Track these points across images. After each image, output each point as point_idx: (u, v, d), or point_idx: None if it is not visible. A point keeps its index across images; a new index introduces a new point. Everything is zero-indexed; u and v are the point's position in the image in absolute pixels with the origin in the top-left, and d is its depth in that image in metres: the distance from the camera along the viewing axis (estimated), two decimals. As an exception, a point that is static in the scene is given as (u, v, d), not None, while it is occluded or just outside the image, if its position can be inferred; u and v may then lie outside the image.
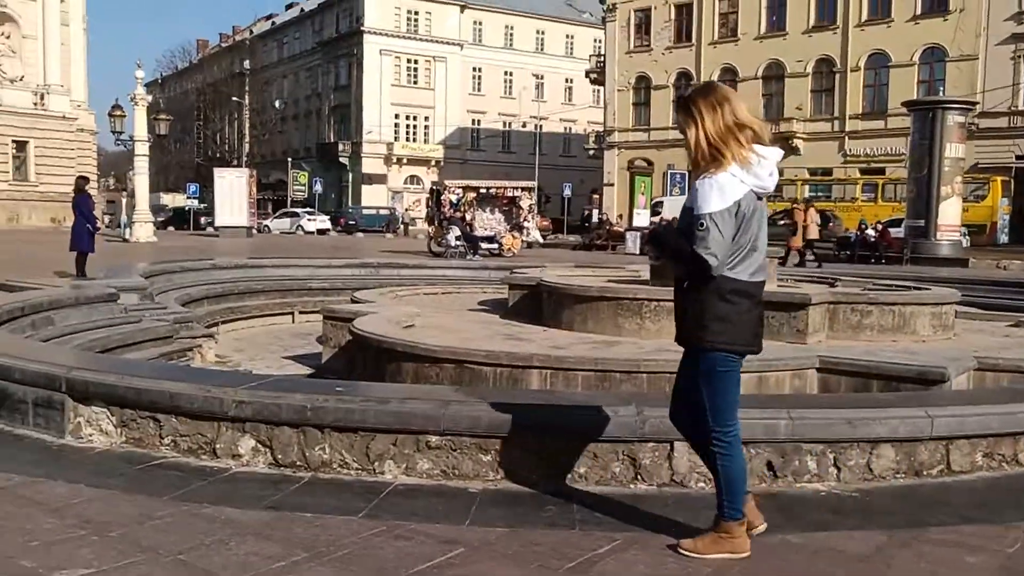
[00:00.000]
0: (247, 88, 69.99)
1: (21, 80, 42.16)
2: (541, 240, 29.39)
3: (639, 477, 4.20)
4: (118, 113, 30.45)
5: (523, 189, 27.69)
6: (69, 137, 44.02)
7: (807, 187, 40.13)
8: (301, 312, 16.60)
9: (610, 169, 48.94)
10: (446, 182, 29.46)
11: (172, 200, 62.88)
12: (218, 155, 71.33)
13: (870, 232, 26.52)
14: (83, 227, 13.57)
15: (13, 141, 41.90)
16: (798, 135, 43.51)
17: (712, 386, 3.30)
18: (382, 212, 56.70)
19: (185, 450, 4.55)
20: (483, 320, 10.53)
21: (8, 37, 42.06)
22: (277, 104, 71.52)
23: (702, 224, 3.12)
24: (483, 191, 27.56)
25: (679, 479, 4.19)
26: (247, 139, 70.30)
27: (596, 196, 49.79)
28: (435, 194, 27.80)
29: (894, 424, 4.34)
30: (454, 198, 26.89)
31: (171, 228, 46.52)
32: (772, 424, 4.21)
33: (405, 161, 67.66)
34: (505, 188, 27.83)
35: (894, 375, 7.31)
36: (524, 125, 69.86)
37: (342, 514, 3.75)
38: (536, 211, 27.03)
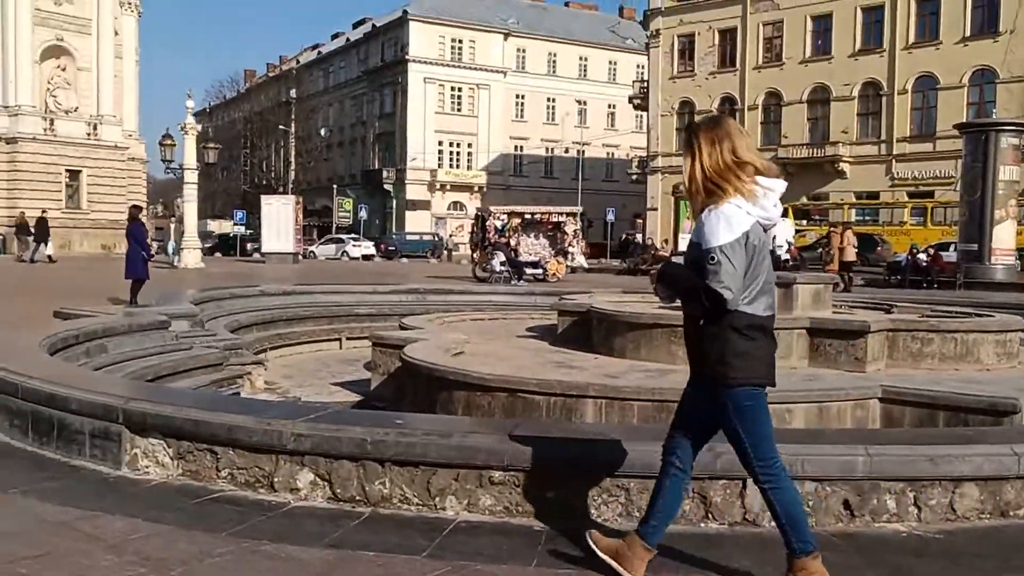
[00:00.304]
0: (293, 116, 71.03)
1: (76, 111, 43.23)
2: (586, 265, 29.27)
3: (710, 515, 4.04)
4: (168, 142, 31.00)
5: (568, 214, 27.63)
6: (120, 166, 44.96)
7: (853, 211, 39.60)
8: (348, 338, 16.60)
9: (653, 194, 48.72)
10: (491, 208, 29.49)
11: (219, 227, 63.80)
12: (264, 182, 72.31)
13: (922, 256, 26.01)
14: (138, 254, 13.74)
15: (67, 170, 42.88)
16: (844, 159, 43.00)
17: (745, 422, 3.22)
18: (425, 238, 57.01)
19: (242, 483, 4.48)
20: (532, 347, 10.41)
21: (64, 70, 43.21)
22: (323, 132, 72.42)
23: (713, 258, 3.05)
24: (528, 216, 27.54)
25: (751, 518, 4.02)
26: (293, 166, 71.21)
27: (639, 221, 49.59)
28: (480, 220, 27.82)
29: (978, 461, 4.13)
30: (499, 223, 26.88)
31: (218, 254, 47.14)
32: (849, 461, 4.04)
33: (448, 187, 68.07)
34: (550, 213, 27.79)
35: (962, 406, 7.06)
36: (567, 151, 70.08)
37: (405, 553, 3.64)
38: (581, 236, 26.93)
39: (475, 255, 27.63)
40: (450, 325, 12.05)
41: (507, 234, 26.41)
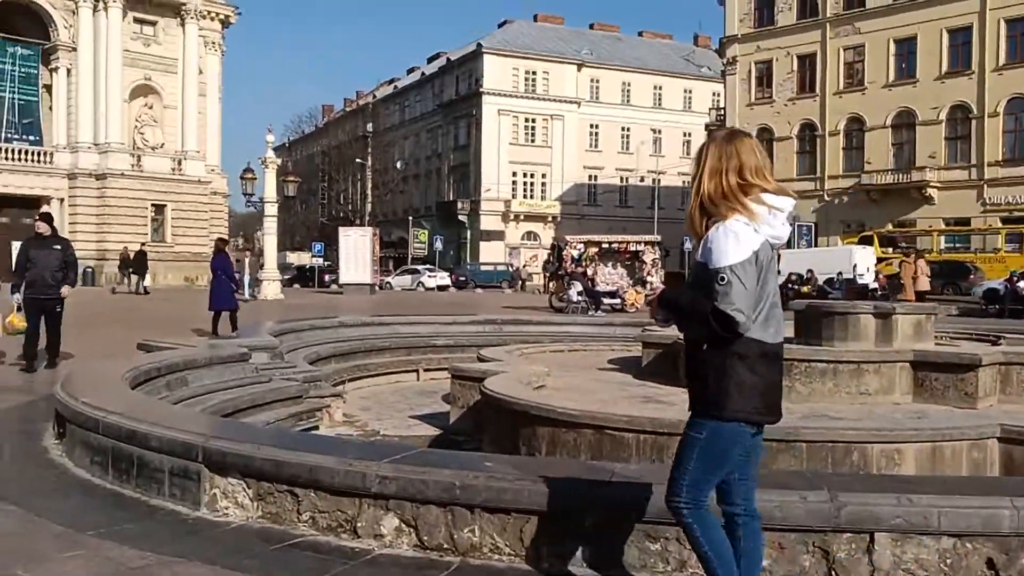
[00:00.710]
0: (370, 150, 72.10)
1: (161, 147, 44.60)
2: (667, 296, 28.63)
3: (833, 572, 3.65)
4: (249, 176, 31.62)
5: (646, 243, 27.19)
6: (203, 200, 46.11)
7: (942, 238, 38.22)
8: (426, 369, 16.39)
9: (730, 222, 47.89)
10: (567, 237, 29.22)
11: (298, 259, 64.89)
12: (341, 215, 73.42)
13: (1022, 284, 24.81)
14: (225, 286, 13.90)
15: (153, 204, 44.14)
16: (932, 184, 41.64)
17: (709, 453, 2.95)
18: (499, 268, 57.05)
19: (324, 528, 4.25)
20: (616, 380, 10.05)
21: (151, 108, 44.71)
22: (398, 164, 73.38)
23: (723, 278, 2.81)
24: (605, 246, 27.18)
25: (881, 576, 3.62)
26: (369, 199, 72.20)
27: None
28: (557, 249, 27.60)
29: None
30: (576, 253, 26.59)
31: (296, 286, 47.81)
32: (993, 515, 3.60)
33: (522, 217, 68.20)
34: (628, 242, 27.38)
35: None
36: (642, 180, 69.71)
37: (498, 610, 3.34)
38: (660, 265, 26.44)
39: (551, 285, 27.37)
40: (529, 357, 11.76)
41: (584, 264, 26.09)
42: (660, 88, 73.38)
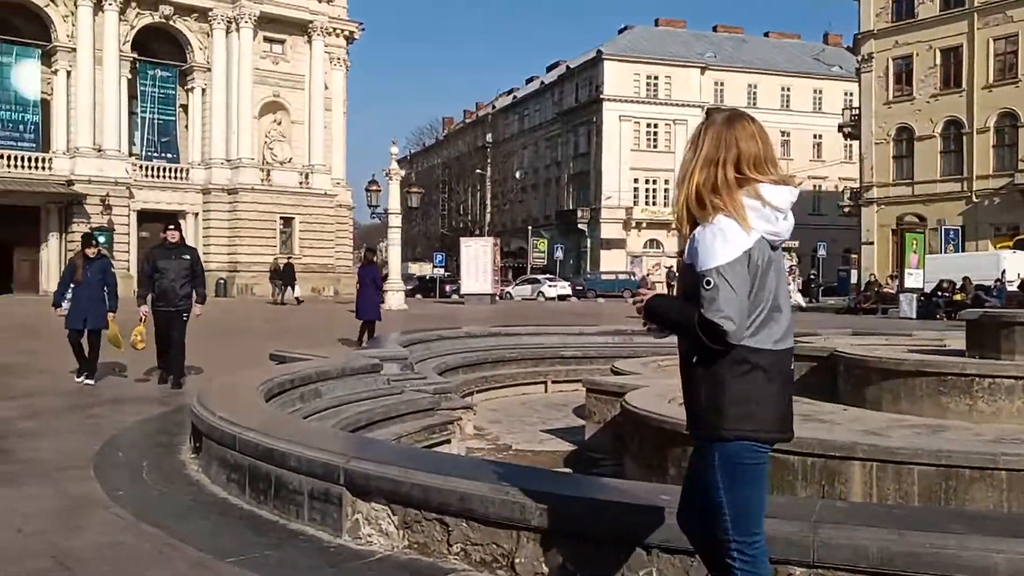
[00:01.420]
0: (489, 160, 72.51)
1: (289, 162, 45.89)
2: (803, 304, 27.32)
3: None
4: (374, 188, 31.96)
5: (780, 249, 25.97)
6: (329, 212, 47.16)
7: None
8: (554, 381, 15.99)
9: (868, 227, 45.57)
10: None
11: (419, 269, 65.71)
12: (461, 225, 74.08)
13: None
14: (373, 296, 14.03)
15: (281, 217, 45.41)
16: (1106, 182, 38.58)
17: (731, 484, 2.62)
18: (620, 277, 56.32)
19: (477, 562, 3.81)
20: (766, 396, 9.35)
21: (279, 123, 46.09)
22: (517, 174, 73.48)
23: (708, 282, 2.52)
24: (738, 253, 26.08)
25: None
26: (489, 209, 72.55)
27: (854, 256, 46.55)
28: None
29: None
30: (704, 261, 25.59)
31: (418, 296, 48.27)
32: None
33: (644, 225, 67.18)
34: (760, 249, 26.17)
35: None
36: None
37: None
38: (796, 273, 25.20)
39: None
40: (666, 370, 11.12)
41: (715, 271, 25.09)
42: (788, 89, 71.15)
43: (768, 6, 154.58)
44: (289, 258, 38.54)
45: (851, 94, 58.46)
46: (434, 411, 10.55)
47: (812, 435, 6.88)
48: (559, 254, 58.13)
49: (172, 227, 11.02)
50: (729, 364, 2.58)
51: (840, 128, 52.57)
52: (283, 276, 36.26)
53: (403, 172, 33.89)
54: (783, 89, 71.07)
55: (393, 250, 32.19)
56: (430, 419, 10.15)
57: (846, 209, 50.23)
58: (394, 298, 30.98)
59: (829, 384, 9.13)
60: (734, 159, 2.63)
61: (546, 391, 15.93)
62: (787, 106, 70.74)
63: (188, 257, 10.72)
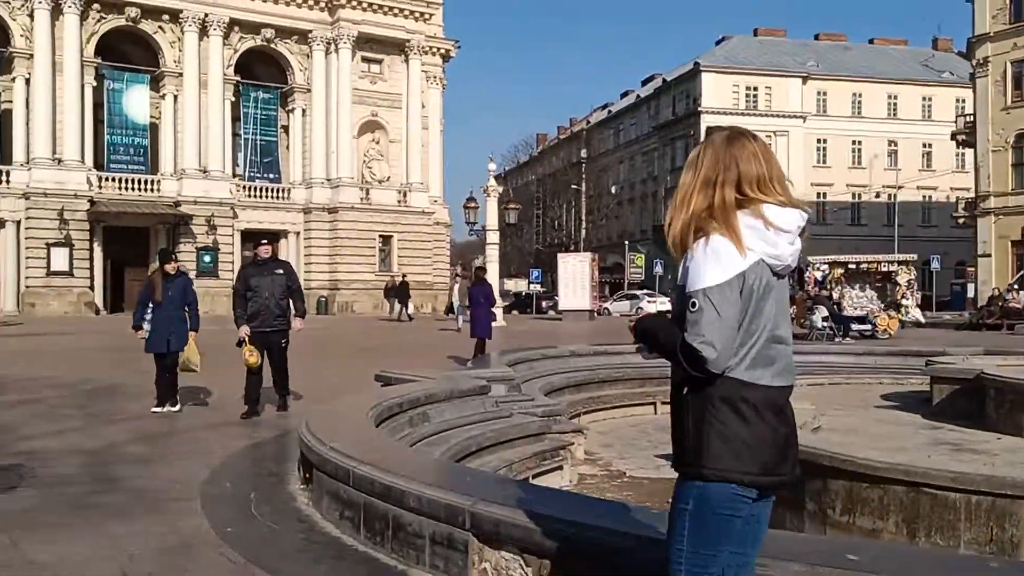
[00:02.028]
0: (584, 175, 72.03)
1: (388, 180, 46.32)
2: (923, 320, 25.94)
3: None
4: (472, 205, 31.86)
5: (899, 263, 24.74)
6: (427, 230, 47.41)
7: None
8: (663, 402, 15.38)
9: (985, 239, 43.30)
10: (810, 258, 27.25)
11: (515, 285, 65.59)
12: (556, 241, 73.76)
13: None
14: (486, 314, 14.06)
15: (380, 235, 45.82)
16: None
17: (700, 527, 2.37)
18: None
19: (628, 626, 3.30)
20: (904, 422, 8.59)
21: (378, 142, 46.58)
22: (613, 189, 72.77)
23: (694, 304, 2.32)
24: (852, 266, 24.98)
25: None
26: (584, 224, 72.06)
27: (969, 269, 44.29)
28: (798, 271, 25.73)
29: None
30: (819, 275, 24.63)
31: (515, 312, 48.01)
32: None
33: (745, 240, 65.62)
34: (879, 262, 25.02)
35: None
36: (877, 196, 65.45)
37: None
38: (916, 287, 23.97)
39: (793, 310, 25.52)
40: (790, 392, 10.43)
41: (829, 286, 24.05)
42: (895, 97, 68.65)
43: (872, 12, 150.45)
44: (404, 276, 38.74)
45: (963, 100, 56.04)
46: (544, 436, 10.12)
47: (973, 469, 6.19)
48: (658, 269, 57.08)
49: (264, 242, 10.25)
50: (719, 397, 2.36)
51: (953, 136, 50.31)
52: (398, 293, 36.65)
53: (500, 188, 33.68)
54: (890, 97, 68.68)
55: (491, 267, 31.94)
56: (540, 444, 9.73)
57: (960, 220, 47.93)
58: (492, 315, 30.73)
59: (975, 409, 8.37)
60: (734, 180, 2.43)
61: (655, 412, 15.32)
62: (894, 115, 68.39)
63: (282, 272, 9.96)
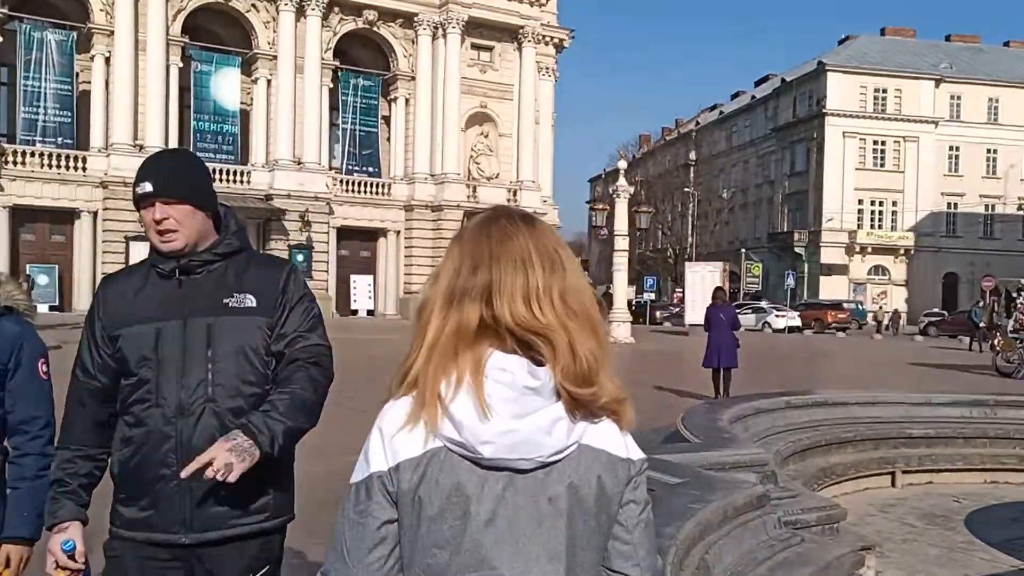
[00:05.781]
0: (692, 178, 68.10)
1: (496, 177, 42.74)
2: None
3: None
4: (600, 207, 28.38)
5: None
6: (537, 232, 43.88)
7: None
8: (904, 471, 11.50)
9: None
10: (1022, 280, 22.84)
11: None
12: (663, 246, 70.10)
13: None
14: (732, 340, 12.75)
15: (487, 237, 42.44)
16: None
17: None
18: (845, 306, 50.71)
19: None
20: None
21: (486, 136, 43.03)
22: (724, 194, 68.60)
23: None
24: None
25: None
26: (692, 230, 68.10)
27: None
28: (1004, 293, 21.41)
29: None
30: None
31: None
32: None
33: (869, 250, 61.30)
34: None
35: None
36: (1019, 207, 60.29)
37: None
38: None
39: (997, 341, 21.19)
40: None
41: None
42: (1035, 104, 63.21)
43: (1006, 13, 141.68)
44: (608, 287, 35.60)
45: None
46: (829, 567, 6.39)
47: None
48: (791, 281, 52.41)
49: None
50: None
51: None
52: None
53: (632, 189, 30.04)
54: (1029, 103, 63.33)
55: (619, 276, 28.44)
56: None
57: None
58: (620, 330, 27.17)
59: None
60: (477, 297, 1.39)
61: (893, 484, 11.44)
62: (1034, 122, 63.10)
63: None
